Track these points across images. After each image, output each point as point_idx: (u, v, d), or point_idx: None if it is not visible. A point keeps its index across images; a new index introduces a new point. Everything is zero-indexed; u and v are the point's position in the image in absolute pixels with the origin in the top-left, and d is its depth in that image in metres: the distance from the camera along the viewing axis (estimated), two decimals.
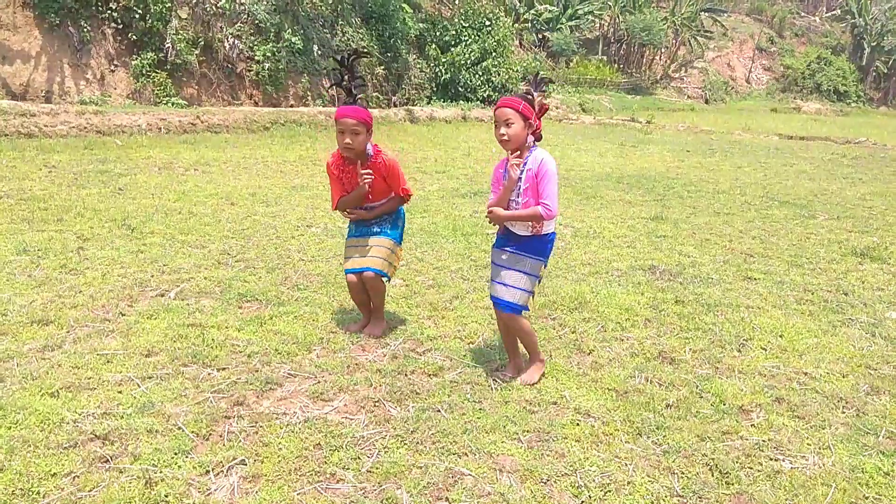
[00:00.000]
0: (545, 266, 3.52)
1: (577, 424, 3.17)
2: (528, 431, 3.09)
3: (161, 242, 5.88)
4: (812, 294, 5.34)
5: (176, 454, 2.77)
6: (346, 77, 3.85)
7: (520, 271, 3.46)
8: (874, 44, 47.71)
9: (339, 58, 3.91)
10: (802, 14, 56.01)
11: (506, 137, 3.29)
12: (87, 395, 3.21)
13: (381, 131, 15.97)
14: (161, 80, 15.88)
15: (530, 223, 3.39)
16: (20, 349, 3.66)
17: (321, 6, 20.39)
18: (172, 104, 15.61)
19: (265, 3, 18.23)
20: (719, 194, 9.97)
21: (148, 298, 4.55)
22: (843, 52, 49.24)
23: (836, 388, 3.70)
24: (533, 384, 3.54)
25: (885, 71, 48.45)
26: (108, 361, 3.57)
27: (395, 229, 4.10)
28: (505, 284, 3.48)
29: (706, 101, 42.86)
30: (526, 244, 3.45)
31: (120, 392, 3.25)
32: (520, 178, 3.33)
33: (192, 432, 2.93)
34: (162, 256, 5.47)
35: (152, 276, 4.98)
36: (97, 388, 3.27)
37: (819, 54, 47.13)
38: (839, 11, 52.81)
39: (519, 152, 3.35)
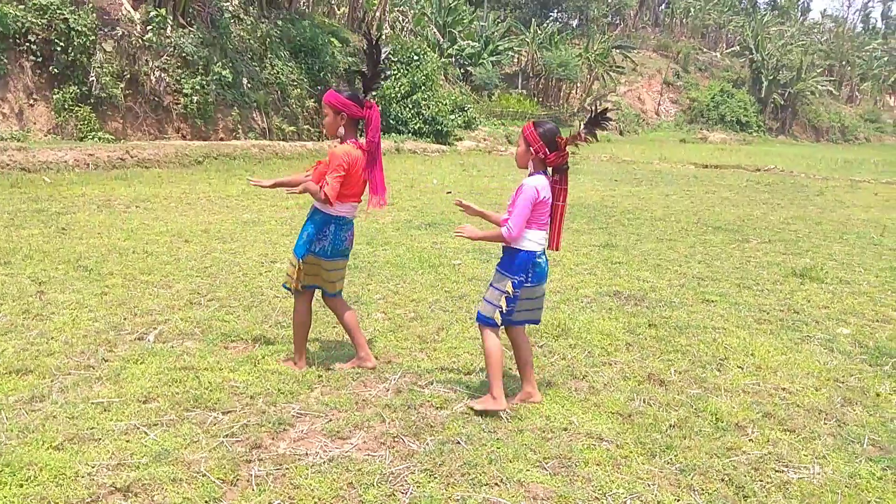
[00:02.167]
0: (514, 285, 3.54)
1: (594, 449, 3.27)
2: (548, 458, 3.17)
3: (123, 283, 5.66)
4: (767, 314, 5.68)
5: (207, 503, 2.68)
6: (369, 67, 3.92)
7: (490, 284, 3.66)
8: (771, 77, 51.36)
9: (366, 46, 3.93)
10: (704, 50, 59.70)
11: (514, 155, 3.65)
12: (94, 446, 3.06)
13: None
14: (84, 114, 15.33)
15: None
16: (5, 401, 3.46)
17: (249, 39, 20.24)
18: (98, 139, 15.08)
19: (192, 36, 17.94)
20: (657, 221, 10.45)
21: (127, 342, 4.38)
22: (743, 86, 52.73)
23: (813, 402, 3.96)
24: (474, 410, 3.56)
25: (782, 102, 52.15)
26: (105, 410, 3.42)
27: (298, 239, 3.98)
28: (483, 297, 3.70)
29: (620, 133, 44.84)
30: (501, 258, 3.64)
31: (128, 441, 3.12)
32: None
33: (218, 479, 2.85)
34: (129, 298, 5.27)
35: (125, 319, 4.80)
36: (103, 439, 3.13)
37: (722, 87, 50.30)
38: (738, 47, 56.65)
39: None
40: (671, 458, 3.22)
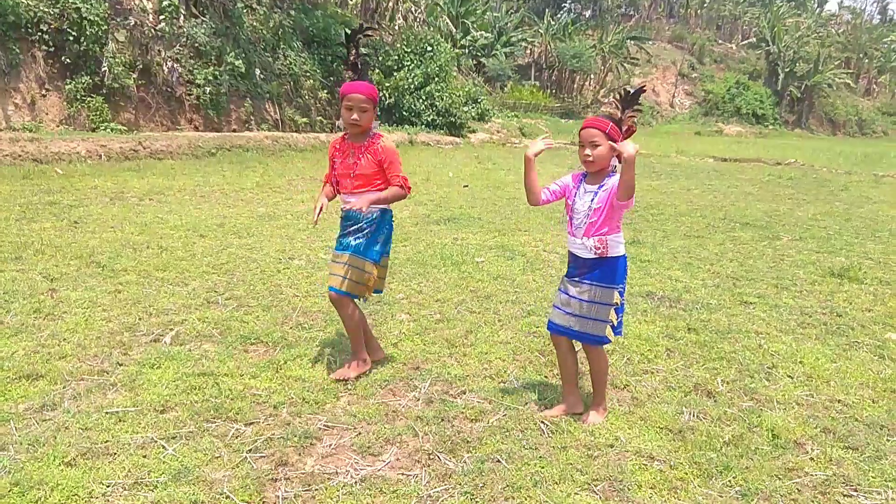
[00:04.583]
0: (621, 293, 3.34)
1: (645, 469, 3.03)
2: (597, 480, 2.92)
3: (138, 281, 5.45)
4: (810, 317, 5.40)
5: None
6: (352, 53, 3.78)
7: (587, 302, 3.31)
8: (787, 69, 50.62)
9: (347, 32, 3.84)
10: (720, 42, 58.97)
11: (591, 158, 3.21)
12: (109, 461, 2.85)
13: None
14: (97, 104, 15.11)
15: (592, 246, 3.27)
16: (15, 410, 3.25)
17: (262, 30, 19.99)
18: (110, 130, 14.88)
19: (205, 26, 17.70)
20: (681, 217, 10.15)
21: (142, 345, 4.17)
22: (759, 78, 52.02)
23: (873, 416, 3.70)
24: (595, 425, 3.41)
25: (799, 95, 51.41)
26: (120, 421, 3.21)
27: (371, 244, 3.72)
28: (574, 315, 3.34)
29: None
30: (593, 272, 3.30)
31: (145, 457, 2.90)
32: (595, 197, 3.25)
33: (243, 501, 2.62)
34: (143, 297, 5.06)
35: (140, 320, 4.58)
36: (118, 454, 2.91)
37: (737, 80, 49.62)
38: (754, 39, 55.86)
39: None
40: (730, 480, 2.97)
